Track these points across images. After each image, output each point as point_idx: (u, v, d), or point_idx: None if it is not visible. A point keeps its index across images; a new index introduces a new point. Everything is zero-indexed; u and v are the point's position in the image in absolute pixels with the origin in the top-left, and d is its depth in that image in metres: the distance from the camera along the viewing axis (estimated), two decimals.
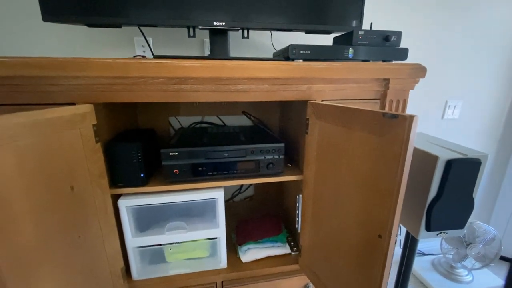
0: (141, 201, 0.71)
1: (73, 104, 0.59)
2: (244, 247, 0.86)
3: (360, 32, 0.71)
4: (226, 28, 0.73)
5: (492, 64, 1.28)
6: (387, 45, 0.73)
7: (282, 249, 0.87)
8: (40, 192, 0.48)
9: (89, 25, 0.71)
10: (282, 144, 0.75)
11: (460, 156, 0.77)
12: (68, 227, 0.55)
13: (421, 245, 1.60)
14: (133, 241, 0.74)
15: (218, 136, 0.84)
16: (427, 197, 0.80)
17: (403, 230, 1.40)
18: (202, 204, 0.79)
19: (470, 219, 1.22)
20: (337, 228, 0.66)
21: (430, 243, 1.61)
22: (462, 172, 0.77)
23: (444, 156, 0.76)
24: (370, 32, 0.72)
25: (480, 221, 1.36)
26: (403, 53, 0.73)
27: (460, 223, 0.84)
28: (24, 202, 0.46)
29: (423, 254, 1.58)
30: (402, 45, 1.14)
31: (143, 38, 0.87)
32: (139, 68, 0.57)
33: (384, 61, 0.74)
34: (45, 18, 0.66)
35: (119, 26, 0.73)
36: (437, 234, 0.85)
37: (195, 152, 0.71)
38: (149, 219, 0.78)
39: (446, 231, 0.85)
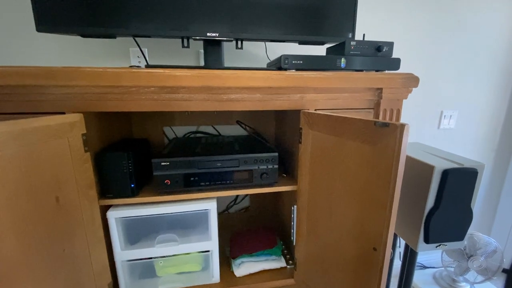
0: (131, 213, 0.69)
1: (63, 113, 0.59)
2: (238, 261, 0.84)
3: (352, 43, 0.72)
4: (219, 39, 0.74)
5: (486, 74, 1.30)
6: (379, 55, 0.73)
7: (277, 263, 0.84)
8: (23, 203, 0.47)
9: (83, 36, 0.71)
10: (276, 154, 0.74)
11: (457, 166, 0.76)
12: (52, 240, 0.53)
13: (422, 258, 1.56)
14: (122, 254, 0.71)
15: (212, 146, 0.83)
16: (424, 208, 0.79)
17: (403, 242, 1.36)
18: (194, 215, 0.78)
19: (471, 231, 1.20)
20: (333, 240, 0.64)
21: (431, 256, 1.57)
22: (459, 182, 0.76)
23: (440, 166, 0.75)
24: (363, 42, 0.72)
25: (481, 232, 1.33)
26: (395, 63, 0.73)
27: (459, 234, 0.82)
28: (6, 214, 0.44)
29: (424, 267, 1.53)
30: (397, 56, 1.16)
31: (139, 48, 0.88)
32: (130, 77, 0.57)
33: (377, 71, 0.74)
34: (39, 29, 0.66)
35: (113, 37, 0.74)
36: (436, 247, 0.83)
37: (186, 162, 0.70)
38: (139, 231, 0.76)
39: (445, 243, 0.83)
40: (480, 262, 1.22)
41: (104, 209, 0.68)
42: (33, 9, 0.65)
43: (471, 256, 1.24)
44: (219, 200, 1.12)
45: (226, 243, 0.96)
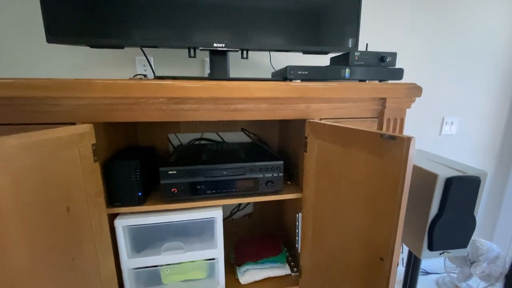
0: (138, 221, 0.70)
1: (73, 123, 0.60)
2: (243, 268, 0.84)
3: (356, 53, 0.73)
4: (225, 49, 0.75)
5: (486, 80, 1.31)
6: (382, 66, 0.75)
7: (282, 270, 0.85)
8: (35, 214, 0.47)
9: (93, 46, 0.73)
10: (281, 162, 0.75)
11: (460, 174, 0.77)
12: (63, 250, 0.54)
13: (425, 264, 1.56)
14: (129, 262, 0.72)
15: (217, 154, 0.84)
16: (428, 215, 0.79)
17: (405, 248, 1.37)
18: (200, 223, 0.78)
19: (473, 237, 1.20)
20: (339, 248, 0.64)
21: (434, 261, 1.57)
22: (462, 190, 0.77)
23: (443, 174, 0.76)
24: (366, 53, 0.74)
25: (483, 238, 1.34)
26: (398, 73, 0.75)
27: (462, 242, 0.83)
28: (19, 225, 0.45)
29: (427, 273, 1.53)
30: (399, 64, 1.18)
31: (145, 57, 0.89)
32: (140, 88, 0.58)
33: (380, 80, 0.76)
34: (50, 40, 0.68)
35: (122, 47, 0.75)
36: (440, 254, 0.83)
37: (193, 170, 0.70)
38: (145, 239, 0.76)
39: (449, 251, 0.83)
40: (483, 268, 1.22)
41: (111, 218, 0.69)
42: (43, 21, 0.66)
43: (474, 262, 1.24)
44: (223, 206, 1.12)
45: (230, 250, 0.96)
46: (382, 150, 0.48)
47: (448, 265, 1.37)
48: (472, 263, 1.24)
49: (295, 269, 0.86)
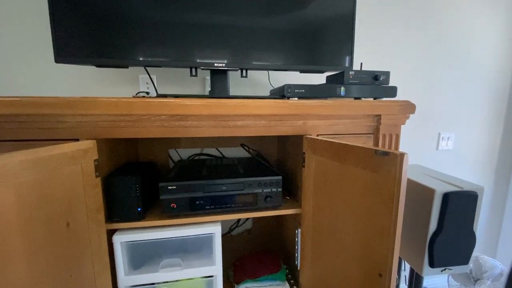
0: (136, 237, 0.69)
1: (77, 139, 0.61)
2: (242, 286, 0.82)
3: (351, 72, 0.76)
4: (226, 68, 0.79)
5: (481, 96, 1.35)
6: (376, 84, 0.78)
7: None
8: (36, 229, 0.48)
9: (99, 66, 0.76)
10: (280, 177, 0.76)
11: (457, 189, 0.78)
12: (61, 266, 0.54)
13: (428, 282, 1.52)
14: (126, 279, 0.71)
15: (217, 169, 0.85)
16: (427, 231, 0.79)
17: (408, 266, 1.34)
18: (199, 239, 0.78)
19: (476, 253, 1.18)
20: (338, 265, 0.64)
21: (438, 279, 1.54)
22: (460, 205, 0.77)
23: (440, 189, 0.77)
24: (360, 72, 0.77)
25: (486, 255, 1.31)
26: (392, 91, 0.78)
27: (463, 258, 0.82)
28: (20, 240, 0.45)
29: None
30: (395, 82, 1.22)
31: (148, 76, 0.93)
32: (143, 106, 0.61)
33: (375, 98, 0.79)
34: (58, 60, 0.71)
35: (126, 67, 0.78)
36: (442, 271, 0.82)
37: (193, 185, 0.71)
38: (143, 256, 0.76)
39: (450, 267, 0.82)
40: (487, 286, 1.19)
41: (110, 233, 0.69)
42: (53, 43, 0.70)
43: (478, 279, 1.21)
44: (222, 222, 1.12)
45: (228, 267, 0.95)
46: (377, 165, 0.49)
47: (452, 283, 1.34)
48: (476, 281, 1.22)
49: (294, 286, 0.85)
